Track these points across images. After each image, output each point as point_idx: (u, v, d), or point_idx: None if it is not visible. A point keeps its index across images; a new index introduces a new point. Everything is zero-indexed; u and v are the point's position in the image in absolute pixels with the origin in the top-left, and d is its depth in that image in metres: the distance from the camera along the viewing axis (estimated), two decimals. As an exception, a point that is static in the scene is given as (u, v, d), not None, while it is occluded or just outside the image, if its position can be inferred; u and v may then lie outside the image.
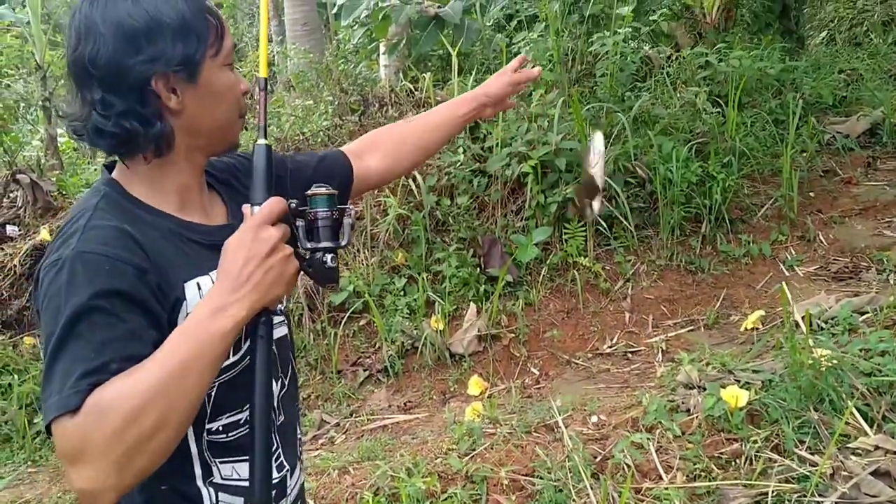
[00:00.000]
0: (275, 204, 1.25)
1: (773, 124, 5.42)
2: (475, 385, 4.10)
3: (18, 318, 5.44)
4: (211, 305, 1.17)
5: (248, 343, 1.33)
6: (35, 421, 4.54)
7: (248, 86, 1.39)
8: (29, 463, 4.31)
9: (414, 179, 5.05)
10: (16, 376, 4.76)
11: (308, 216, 1.33)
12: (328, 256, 1.30)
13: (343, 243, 1.34)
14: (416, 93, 5.55)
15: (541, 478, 2.98)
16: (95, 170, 6.64)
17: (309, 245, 1.31)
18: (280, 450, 1.49)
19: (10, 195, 6.09)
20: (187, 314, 1.25)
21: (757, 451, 2.88)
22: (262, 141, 1.33)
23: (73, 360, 1.13)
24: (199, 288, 1.30)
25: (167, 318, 1.25)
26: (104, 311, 1.15)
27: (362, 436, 4.00)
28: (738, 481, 2.80)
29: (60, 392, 1.11)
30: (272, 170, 1.32)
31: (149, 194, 1.33)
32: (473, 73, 5.58)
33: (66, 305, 1.15)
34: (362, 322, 4.86)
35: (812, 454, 2.82)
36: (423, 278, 4.72)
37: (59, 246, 1.22)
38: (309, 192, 1.34)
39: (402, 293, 4.84)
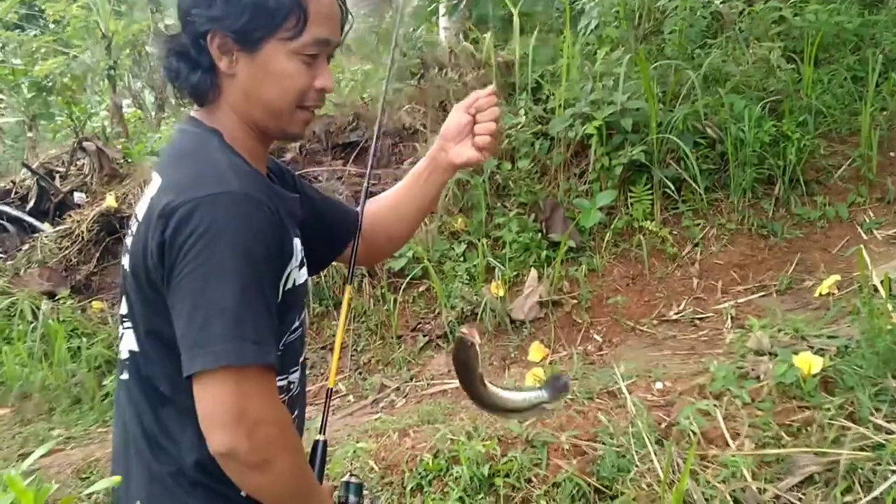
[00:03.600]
0: None
1: (852, 81, 5.14)
2: (536, 351, 4.02)
3: (87, 283, 5.58)
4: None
5: (300, 319, 1.44)
6: (104, 383, 4.64)
7: (329, 84, 1.39)
8: (99, 423, 4.41)
9: (475, 143, 4.95)
10: (84, 339, 4.88)
11: (340, 500, 1.49)
12: None
13: None
14: (476, 55, 5.44)
15: (603, 443, 2.91)
16: (160, 138, 6.72)
17: None
18: None
19: (77, 163, 6.22)
20: (288, 273, 1.33)
21: (830, 419, 2.76)
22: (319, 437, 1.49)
23: (260, 313, 1.20)
24: (296, 246, 1.37)
25: (283, 268, 1.32)
26: (272, 268, 1.24)
27: (422, 400, 3.98)
28: (810, 449, 2.68)
29: (258, 342, 1.18)
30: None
31: (238, 148, 1.36)
32: (535, 32, 5.44)
33: (244, 246, 1.18)
34: (422, 288, 4.83)
35: (889, 422, 2.68)
36: (483, 244, 4.65)
37: (210, 178, 1.24)
38: (344, 479, 1.52)
39: (461, 259, 4.78)
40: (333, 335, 4.67)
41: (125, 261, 1.34)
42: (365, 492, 1.53)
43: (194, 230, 1.17)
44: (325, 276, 4.82)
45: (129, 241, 1.35)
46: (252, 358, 1.16)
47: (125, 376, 1.38)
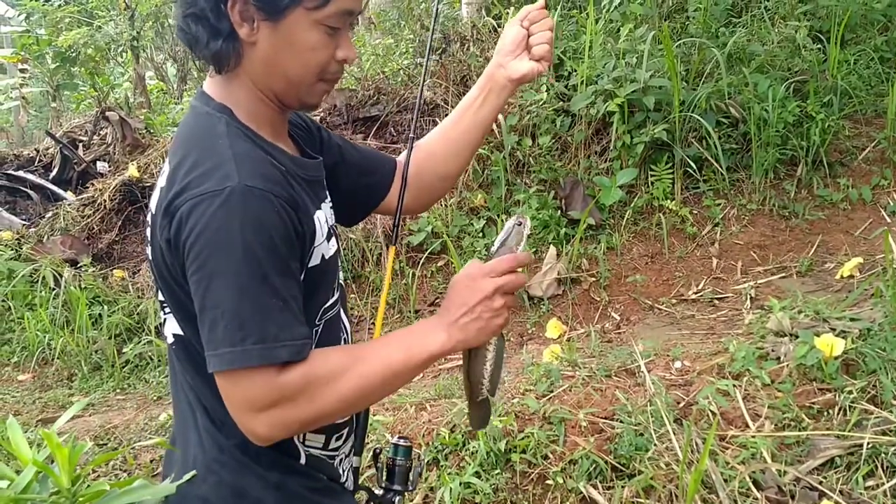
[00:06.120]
0: (505, 262, 1.31)
1: (879, 62, 5.08)
2: (553, 328, 4.01)
3: (109, 252, 5.62)
4: (429, 329, 1.30)
5: (336, 293, 1.44)
6: (124, 350, 4.69)
7: (352, 55, 1.34)
8: (117, 391, 4.46)
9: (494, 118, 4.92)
10: (105, 307, 4.93)
11: (388, 461, 1.52)
12: (397, 498, 1.51)
13: (410, 489, 1.53)
14: (499, 30, 5.40)
15: (621, 421, 2.91)
16: (182, 109, 6.72)
17: (384, 484, 1.52)
18: None
19: (100, 132, 6.24)
20: (312, 252, 1.31)
21: (852, 402, 2.75)
22: None
23: (264, 309, 1.17)
24: (318, 221, 1.34)
25: (303, 250, 1.29)
26: (281, 257, 1.20)
27: (439, 374, 3.99)
28: (831, 432, 2.67)
29: (264, 342, 1.16)
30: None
31: (252, 124, 1.32)
32: (558, 8, 5.39)
33: (242, 243, 1.16)
34: (440, 263, 4.84)
35: (913, 407, 2.67)
36: (502, 220, 4.64)
37: (212, 173, 1.20)
38: (393, 440, 1.54)
39: (480, 235, 4.78)
40: (352, 307, 4.68)
41: (149, 251, 1.33)
42: (414, 455, 1.54)
43: (192, 230, 1.16)
44: (344, 248, 4.84)
45: (147, 231, 1.33)
46: (255, 359, 1.16)
47: (175, 358, 1.39)
